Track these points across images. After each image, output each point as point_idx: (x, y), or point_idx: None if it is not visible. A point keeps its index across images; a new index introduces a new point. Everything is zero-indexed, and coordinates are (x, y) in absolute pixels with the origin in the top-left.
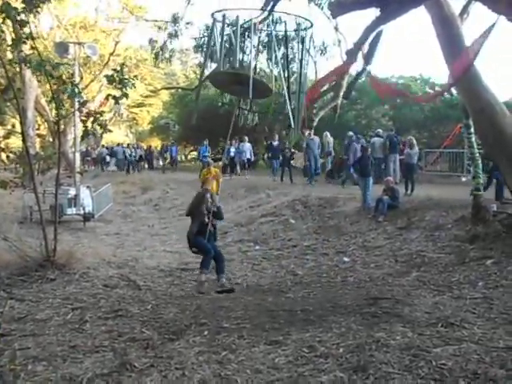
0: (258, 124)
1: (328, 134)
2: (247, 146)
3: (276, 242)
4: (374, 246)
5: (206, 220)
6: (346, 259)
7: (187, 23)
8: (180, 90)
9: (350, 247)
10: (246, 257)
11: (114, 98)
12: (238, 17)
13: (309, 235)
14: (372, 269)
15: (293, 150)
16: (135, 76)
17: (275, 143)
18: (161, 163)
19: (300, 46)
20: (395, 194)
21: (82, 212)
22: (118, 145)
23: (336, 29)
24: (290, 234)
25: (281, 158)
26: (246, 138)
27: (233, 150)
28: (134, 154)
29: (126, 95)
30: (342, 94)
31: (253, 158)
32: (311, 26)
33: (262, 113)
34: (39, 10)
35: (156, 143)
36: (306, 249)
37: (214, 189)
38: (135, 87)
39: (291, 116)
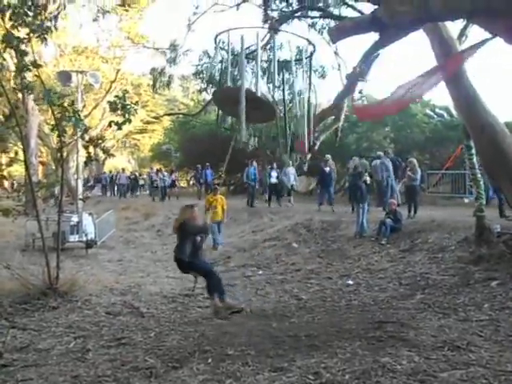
0: (257, 148)
1: (357, 159)
2: (291, 171)
3: (279, 266)
4: (378, 268)
5: (198, 238)
6: (350, 282)
7: (186, 51)
8: (181, 116)
9: (353, 270)
10: (250, 282)
11: (117, 124)
12: (242, 37)
13: (312, 259)
14: (376, 292)
15: (368, 179)
16: (136, 102)
17: (327, 169)
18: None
19: (307, 70)
20: (398, 217)
21: (84, 239)
22: (104, 173)
23: (336, 53)
24: (294, 258)
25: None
26: (291, 162)
27: (275, 174)
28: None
29: (128, 121)
30: (342, 116)
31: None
32: (314, 50)
33: (261, 137)
34: (46, 36)
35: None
36: (310, 273)
37: (220, 215)
38: (137, 113)
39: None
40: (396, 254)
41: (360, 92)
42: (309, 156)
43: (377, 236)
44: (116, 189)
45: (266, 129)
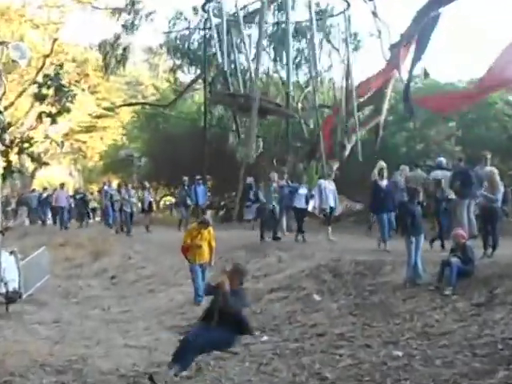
0: (262, 153)
1: (407, 169)
2: (330, 186)
3: (293, 329)
4: (440, 332)
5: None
6: (398, 353)
7: (150, 13)
8: (148, 107)
9: (403, 335)
10: (249, 352)
11: (50, 116)
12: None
13: (342, 318)
14: (438, 367)
15: (450, 196)
16: (77, 82)
17: (383, 183)
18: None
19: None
20: (469, 255)
21: (3, 290)
22: (33, 191)
23: (375, 14)
24: (314, 317)
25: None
26: (332, 175)
27: (304, 192)
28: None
29: (66, 111)
30: (385, 107)
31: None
32: (348, 5)
33: (265, 138)
34: None
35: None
36: (339, 339)
37: (205, 256)
38: (75, 100)
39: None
40: (467, 309)
41: (425, 74)
42: (336, 164)
43: (438, 283)
44: (51, 215)
45: (268, 125)
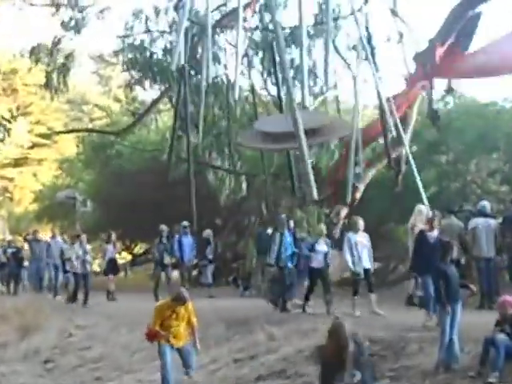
0: (246, 197)
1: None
2: (365, 243)
3: None
4: None
5: None
6: None
7: (102, 10)
8: (95, 134)
9: None
10: None
11: None
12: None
13: None
14: None
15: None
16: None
17: (433, 234)
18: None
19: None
20: None
21: None
22: None
23: (394, 12)
24: None
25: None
26: (361, 223)
27: (323, 247)
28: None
29: None
30: (409, 134)
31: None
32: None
33: (251, 175)
34: None
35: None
36: None
37: (183, 338)
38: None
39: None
40: None
41: (448, 90)
42: (345, 210)
43: (480, 368)
44: None
45: (254, 158)
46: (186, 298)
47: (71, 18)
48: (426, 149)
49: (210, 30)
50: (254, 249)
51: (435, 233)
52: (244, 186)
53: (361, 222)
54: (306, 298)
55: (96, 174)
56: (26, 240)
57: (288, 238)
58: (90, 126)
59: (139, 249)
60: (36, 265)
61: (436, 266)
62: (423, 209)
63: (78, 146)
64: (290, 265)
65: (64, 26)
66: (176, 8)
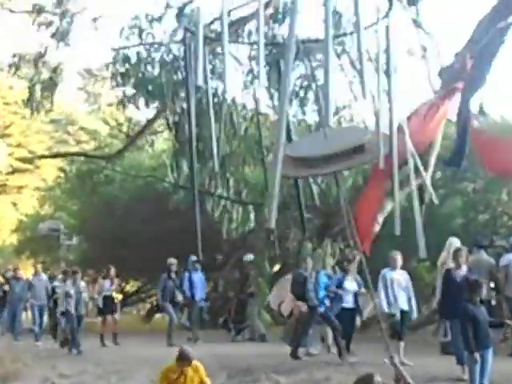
0: (252, 230)
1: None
2: (403, 283)
3: None
4: None
5: None
6: None
7: (95, 18)
8: (83, 159)
9: None
10: None
11: None
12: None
13: None
14: None
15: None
16: None
17: (460, 273)
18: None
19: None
20: None
21: None
22: None
23: (416, 23)
24: None
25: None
26: (400, 259)
27: (352, 286)
28: None
29: None
30: (433, 160)
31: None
32: (390, 6)
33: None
34: None
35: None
36: None
37: None
38: None
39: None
40: None
41: (481, 110)
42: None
43: None
44: None
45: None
46: (190, 356)
47: (57, 28)
48: (450, 176)
49: (201, 44)
50: (266, 289)
51: (463, 270)
52: (252, 216)
53: (399, 258)
54: (347, 347)
55: (82, 203)
56: (4, 278)
57: (322, 279)
58: (77, 149)
59: (131, 287)
60: (14, 306)
61: (463, 307)
62: (457, 242)
63: (62, 172)
64: (323, 307)
65: (53, 35)
66: (177, 16)
